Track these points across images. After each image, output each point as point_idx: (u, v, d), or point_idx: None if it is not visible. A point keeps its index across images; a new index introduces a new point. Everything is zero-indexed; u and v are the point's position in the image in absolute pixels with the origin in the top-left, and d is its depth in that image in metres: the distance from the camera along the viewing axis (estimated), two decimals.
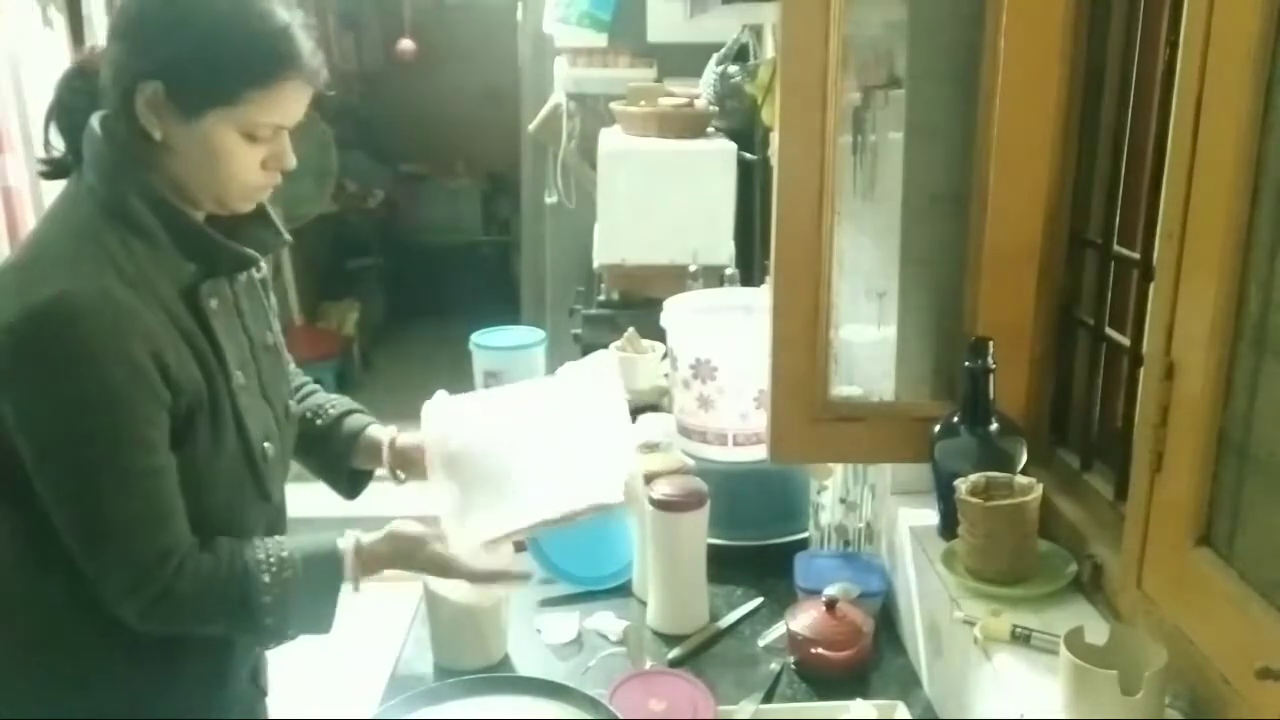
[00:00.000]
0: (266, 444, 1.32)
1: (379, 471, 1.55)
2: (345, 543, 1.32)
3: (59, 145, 1.29)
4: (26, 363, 1.15)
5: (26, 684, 1.28)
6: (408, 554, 1.36)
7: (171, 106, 1.18)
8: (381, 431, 1.55)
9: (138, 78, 1.18)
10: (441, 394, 1.55)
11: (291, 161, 1.27)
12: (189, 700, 1.33)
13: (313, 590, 1.28)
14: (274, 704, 1.51)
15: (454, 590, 1.50)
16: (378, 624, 2.13)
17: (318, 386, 1.58)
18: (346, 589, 1.31)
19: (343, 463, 1.53)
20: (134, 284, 1.17)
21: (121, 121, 1.21)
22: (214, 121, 1.19)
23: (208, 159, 1.21)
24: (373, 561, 1.34)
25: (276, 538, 1.31)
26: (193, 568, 1.22)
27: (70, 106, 1.27)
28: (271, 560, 1.26)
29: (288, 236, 1.39)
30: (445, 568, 1.37)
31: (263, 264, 1.38)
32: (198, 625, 1.27)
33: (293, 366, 1.51)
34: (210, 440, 1.25)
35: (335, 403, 1.56)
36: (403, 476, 1.52)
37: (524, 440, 1.47)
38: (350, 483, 1.56)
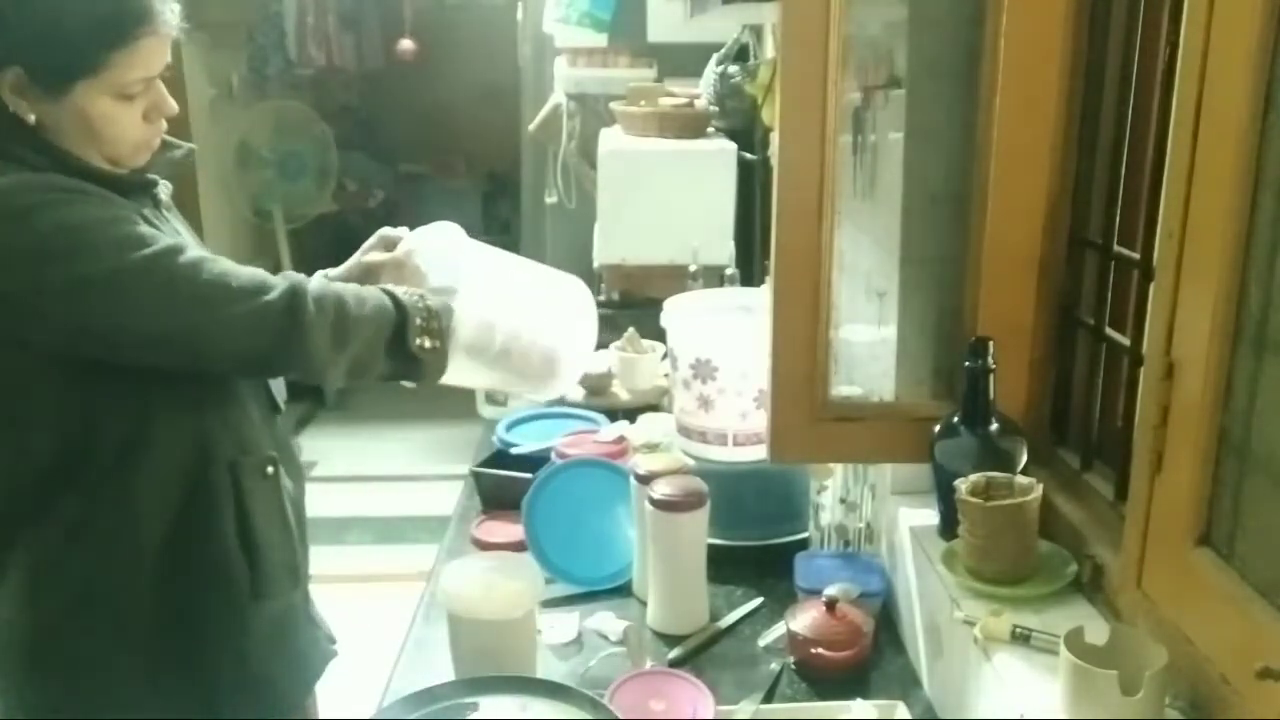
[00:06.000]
0: None
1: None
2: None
3: None
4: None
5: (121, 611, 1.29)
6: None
7: (36, 88, 1.18)
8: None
9: None
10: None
11: (172, 107, 1.28)
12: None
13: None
14: None
15: (481, 621, 1.42)
16: (379, 623, 2.13)
17: None
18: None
19: None
20: None
21: None
22: (83, 92, 1.19)
23: (88, 128, 1.21)
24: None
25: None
26: (333, 288, 1.28)
27: None
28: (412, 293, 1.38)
29: (191, 145, 1.38)
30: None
31: (168, 187, 1.37)
32: (349, 324, 1.28)
33: None
34: None
35: None
36: None
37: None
38: None
